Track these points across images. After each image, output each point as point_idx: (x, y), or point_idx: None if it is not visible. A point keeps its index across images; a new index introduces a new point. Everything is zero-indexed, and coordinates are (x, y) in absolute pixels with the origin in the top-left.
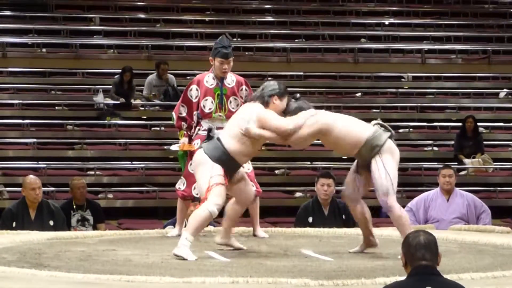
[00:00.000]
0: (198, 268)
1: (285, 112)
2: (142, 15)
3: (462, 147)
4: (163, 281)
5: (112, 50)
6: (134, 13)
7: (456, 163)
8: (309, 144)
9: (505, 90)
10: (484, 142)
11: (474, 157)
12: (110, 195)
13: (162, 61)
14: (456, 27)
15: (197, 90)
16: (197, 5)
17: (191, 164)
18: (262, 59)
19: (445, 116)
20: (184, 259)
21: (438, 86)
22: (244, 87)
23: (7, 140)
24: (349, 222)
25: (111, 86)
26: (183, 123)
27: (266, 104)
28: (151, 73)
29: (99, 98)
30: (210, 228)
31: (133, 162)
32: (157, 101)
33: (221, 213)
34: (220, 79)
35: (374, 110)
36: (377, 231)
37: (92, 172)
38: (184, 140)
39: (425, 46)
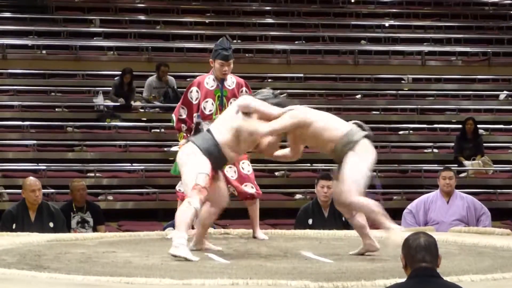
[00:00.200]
0: (198, 270)
1: None
2: (142, 17)
3: (462, 149)
4: (163, 283)
5: (112, 52)
6: (134, 15)
7: (456, 165)
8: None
9: (505, 92)
10: (484, 144)
11: (474, 159)
12: (110, 197)
13: (162, 63)
14: (456, 29)
15: (197, 92)
16: (197, 7)
17: None
18: (262, 61)
19: (445, 118)
20: (186, 259)
21: (438, 88)
22: (244, 88)
23: (7, 142)
24: (349, 224)
25: (111, 88)
26: (182, 125)
27: None
28: (151, 75)
29: (99, 100)
30: (210, 230)
31: (133, 164)
32: (157, 103)
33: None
34: (221, 81)
35: (374, 112)
36: (376, 233)
37: (92, 174)
38: (183, 142)
39: (425, 48)
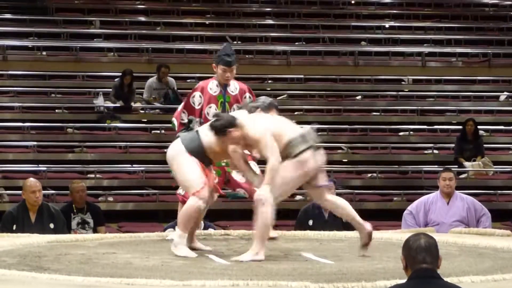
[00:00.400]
0: (199, 271)
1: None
2: (142, 18)
3: (462, 150)
4: (164, 284)
5: (112, 53)
6: (134, 16)
7: (457, 166)
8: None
9: (505, 93)
10: (484, 145)
11: (474, 160)
12: (110, 198)
13: (163, 64)
14: (456, 30)
15: (200, 97)
16: (198, 8)
17: None
18: (262, 62)
19: (446, 119)
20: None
21: (439, 89)
22: (247, 94)
23: (7, 143)
24: (349, 225)
25: (111, 89)
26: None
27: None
28: (151, 76)
29: (100, 101)
30: (210, 231)
31: (133, 165)
32: (157, 104)
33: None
34: (224, 86)
35: (374, 113)
36: (377, 234)
37: (93, 175)
38: None
39: (426, 49)
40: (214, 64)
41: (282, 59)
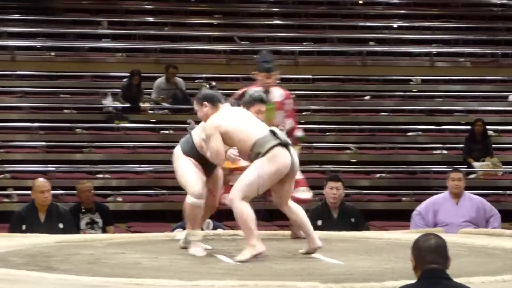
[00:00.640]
0: (207, 271)
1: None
2: (150, 19)
3: (471, 151)
4: (172, 284)
5: (120, 54)
6: (142, 17)
7: (465, 166)
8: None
9: None
10: (493, 145)
11: (483, 161)
12: (119, 198)
13: (171, 65)
14: (464, 30)
15: None
16: (205, 9)
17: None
18: None
19: (454, 119)
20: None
21: (447, 89)
22: (289, 101)
23: (16, 143)
24: (358, 226)
25: (119, 90)
26: None
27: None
28: (159, 77)
29: (108, 102)
30: (219, 231)
31: (142, 166)
32: (166, 105)
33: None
34: (267, 92)
35: (382, 113)
36: (385, 235)
37: (101, 175)
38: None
39: (433, 49)
40: (255, 72)
41: (289, 60)
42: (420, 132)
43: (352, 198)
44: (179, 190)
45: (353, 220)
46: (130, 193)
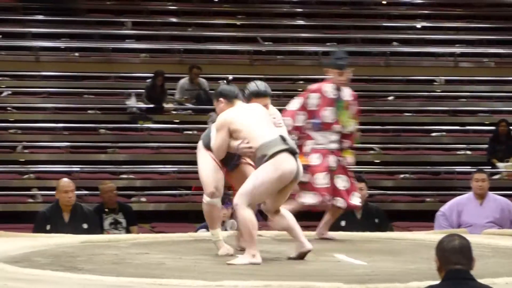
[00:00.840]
0: (231, 272)
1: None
2: (173, 19)
3: (495, 151)
4: (196, 284)
5: (144, 54)
6: (166, 17)
7: (489, 167)
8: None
9: None
10: None
11: (507, 161)
12: (143, 199)
13: (194, 65)
14: (488, 30)
15: (318, 99)
16: (228, 9)
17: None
18: (293, 63)
19: (478, 119)
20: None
21: (471, 90)
22: (355, 102)
23: (40, 144)
24: (382, 226)
25: (143, 90)
26: (296, 131)
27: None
28: (183, 77)
29: (132, 102)
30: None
31: (165, 166)
32: (189, 105)
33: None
34: (339, 90)
35: (406, 114)
36: (409, 235)
37: (125, 176)
38: None
39: (457, 49)
40: (327, 69)
41: (313, 60)
42: (444, 133)
43: (375, 198)
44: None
45: (376, 220)
46: (154, 193)
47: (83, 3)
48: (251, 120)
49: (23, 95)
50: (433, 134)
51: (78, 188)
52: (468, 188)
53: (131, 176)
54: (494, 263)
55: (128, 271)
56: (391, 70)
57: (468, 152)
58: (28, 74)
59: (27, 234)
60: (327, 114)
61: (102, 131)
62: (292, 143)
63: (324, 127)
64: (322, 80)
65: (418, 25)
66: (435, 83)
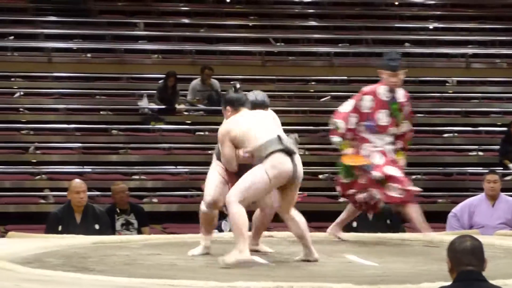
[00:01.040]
0: (242, 273)
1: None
2: (186, 20)
3: (507, 152)
4: (208, 285)
5: (156, 55)
6: (178, 18)
7: (501, 168)
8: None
9: None
10: None
11: None
12: (155, 200)
13: (206, 66)
14: (501, 31)
15: (371, 101)
16: (241, 10)
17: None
18: (305, 64)
19: (490, 120)
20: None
21: (483, 91)
22: (407, 103)
23: (52, 144)
24: (394, 227)
25: (155, 91)
26: (349, 133)
27: None
28: (195, 78)
29: (144, 103)
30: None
31: (177, 167)
32: (201, 106)
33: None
34: (392, 92)
35: (418, 115)
36: (420, 236)
37: (137, 177)
38: (351, 151)
39: (470, 50)
40: (380, 70)
41: (325, 61)
42: (456, 134)
43: None
44: None
45: (388, 221)
46: (166, 194)
47: (95, 4)
48: (249, 125)
49: (35, 96)
50: (445, 135)
51: (89, 189)
52: (480, 189)
53: (142, 177)
54: (506, 264)
55: (140, 272)
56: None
57: (480, 153)
58: (40, 75)
59: (39, 235)
60: (381, 117)
61: (114, 132)
62: (290, 143)
63: (379, 129)
64: (334, 81)
65: (430, 26)
66: (447, 84)
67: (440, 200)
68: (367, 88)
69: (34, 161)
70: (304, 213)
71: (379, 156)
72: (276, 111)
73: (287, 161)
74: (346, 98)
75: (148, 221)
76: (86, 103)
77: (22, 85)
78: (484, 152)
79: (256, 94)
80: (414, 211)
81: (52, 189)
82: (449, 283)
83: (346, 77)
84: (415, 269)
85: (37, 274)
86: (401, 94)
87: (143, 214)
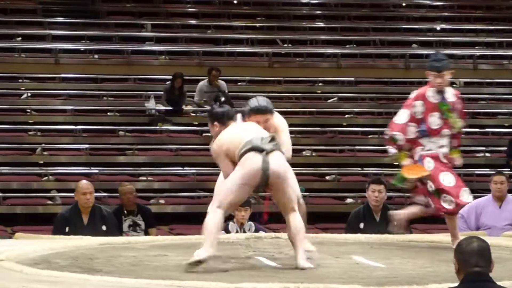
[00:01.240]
0: (249, 274)
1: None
2: (193, 22)
3: None
4: (215, 286)
5: (163, 56)
6: (185, 20)
7: (508, 169)
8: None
9: None
10: None
11: None
12: (162, 201)
13: (214, 68)
14: (508, 33)
15: (422, 105)
16: (248, 11)
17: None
18: (312, 65)
19: (497, 122)
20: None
21: (490, 92)
22: (459, 101)
23: (60, 146)
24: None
25: (162, 92)
26: (407, 144)
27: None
28: (202, 79)
29: (151, 104)
30: (261, 234)
31: (184, 168)
32: (208, 107)
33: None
34: (441, 93)
35: None
36: (428, 237)
37: (144, 178)
38: (409, 162)
39: (477, 51)
40: (427, 72)
41: (332, 62)
42: (463, 135)
43: (394, 201)
44: None
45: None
46: (173, 195)
47: (102, 5)
48: (234, 135)
49: (42, 97)
50: None
51: (97, 190)
52: (487, 191)
53: (150, 178)
54: None
55: (147, 273)
56: (411, 73)
57: (487, 154)
58: (47, 76)
59: (46, 236)
60: (433, 120)
61: (121, 133)
62: (264, 142)
63: (431, 133)
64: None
65: (438, 27)
66: (454, 85)
67: None
68: (415, 92)
69: (42, 162)
70: (310, 214)
71: (428, 160)
72: (283, 113)
73: (256, 158)
74: (353, 99)
75: (155, 222)
76: (93, 104)
77: (29, 86)
78: (491, 153)
79: (259, 100)
80: (454, 221)
81: (59, 190)
82: (456, 284)
83: (353, 78)
84: (422, 270)
85: (44, 275)
86: (450, 94)
87: (150, 215)
